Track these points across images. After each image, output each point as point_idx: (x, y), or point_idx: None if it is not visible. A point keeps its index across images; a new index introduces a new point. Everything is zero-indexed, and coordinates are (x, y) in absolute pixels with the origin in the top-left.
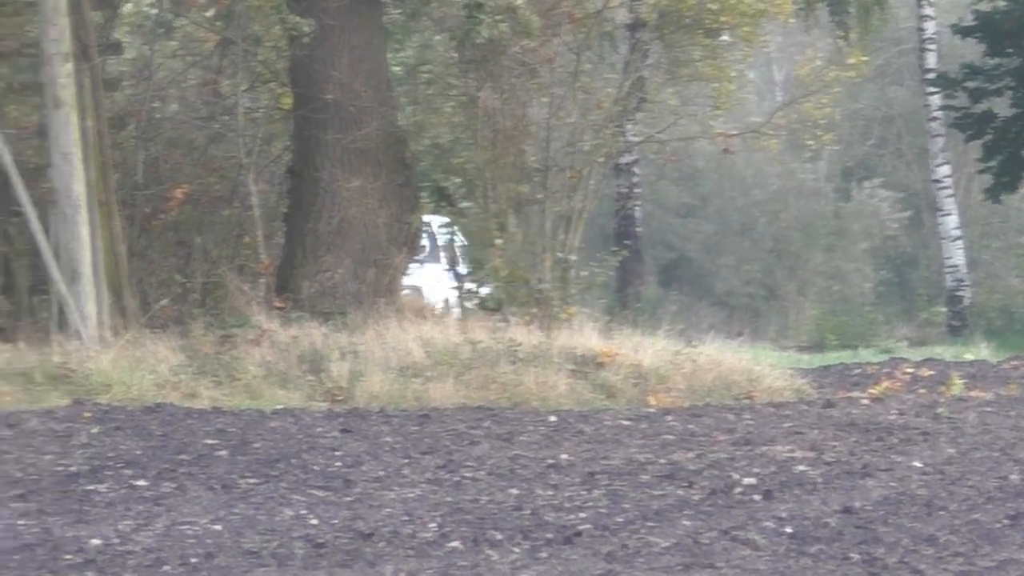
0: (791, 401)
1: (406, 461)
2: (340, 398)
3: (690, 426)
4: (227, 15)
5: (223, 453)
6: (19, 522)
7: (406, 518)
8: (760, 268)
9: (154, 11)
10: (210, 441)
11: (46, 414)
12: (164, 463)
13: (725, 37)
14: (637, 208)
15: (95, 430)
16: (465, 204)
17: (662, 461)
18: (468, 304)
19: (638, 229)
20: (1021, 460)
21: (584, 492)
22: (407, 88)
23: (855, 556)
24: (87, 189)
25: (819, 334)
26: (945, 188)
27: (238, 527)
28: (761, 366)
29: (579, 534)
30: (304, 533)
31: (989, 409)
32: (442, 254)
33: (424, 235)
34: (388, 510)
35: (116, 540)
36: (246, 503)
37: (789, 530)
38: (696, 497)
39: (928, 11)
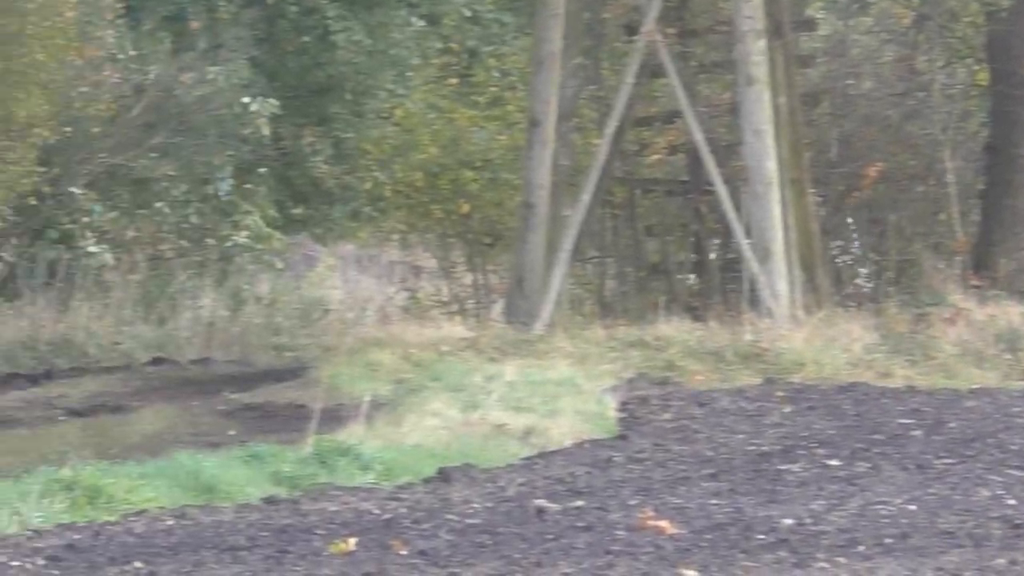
0: None
1: None
2: None
3: None
4: None
5: (917, 433)
6: (711, 501)
7: None
8: None
9: None
10: (904, 421)
11: (737, 393)
12: (857, 443)
13: None
14: None
15: (787, 409)
16: None
17: None
18: None
19: None
20: None
21: None
22: None
23: None
24: (779, 167)
25: None
26: None
27: (933, 507)
28: None
29: None
30: (1001, 514)
31: None
32: None
33: None
34: None
35: (808, 520)
36: (941, 483)
37: None
38: None
39: None
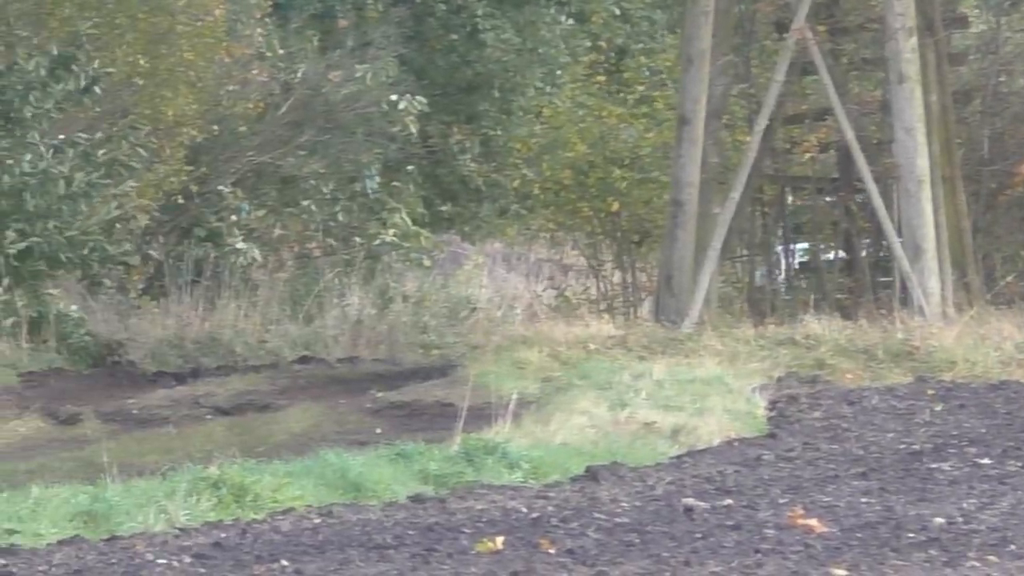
0: None
1: None
2: None
3: None
4: None
5: None
6: (861, 500)
7: None
8: None
9: None
10: None
11: (887, 391)
12: (1009, 441)
13: None
14: None
15: (938, 407)
16: None
17: None
18: None
19: None
20: None
21: None
22: None
23: None
24: (930, 165)
25: None
26: None
27: None
28: None
29: None
30: None
31: None
32: None
33: None
34: None
35: (959, 519)
36: None
37: None
38: None
39: None
